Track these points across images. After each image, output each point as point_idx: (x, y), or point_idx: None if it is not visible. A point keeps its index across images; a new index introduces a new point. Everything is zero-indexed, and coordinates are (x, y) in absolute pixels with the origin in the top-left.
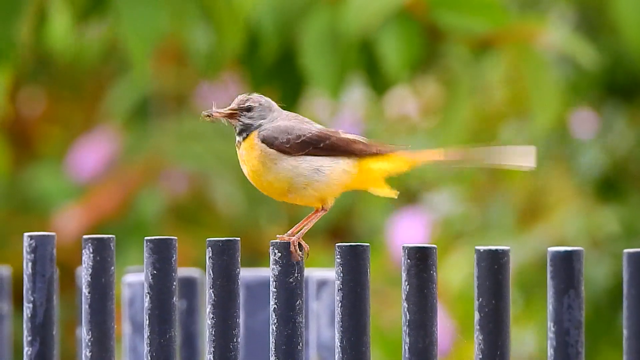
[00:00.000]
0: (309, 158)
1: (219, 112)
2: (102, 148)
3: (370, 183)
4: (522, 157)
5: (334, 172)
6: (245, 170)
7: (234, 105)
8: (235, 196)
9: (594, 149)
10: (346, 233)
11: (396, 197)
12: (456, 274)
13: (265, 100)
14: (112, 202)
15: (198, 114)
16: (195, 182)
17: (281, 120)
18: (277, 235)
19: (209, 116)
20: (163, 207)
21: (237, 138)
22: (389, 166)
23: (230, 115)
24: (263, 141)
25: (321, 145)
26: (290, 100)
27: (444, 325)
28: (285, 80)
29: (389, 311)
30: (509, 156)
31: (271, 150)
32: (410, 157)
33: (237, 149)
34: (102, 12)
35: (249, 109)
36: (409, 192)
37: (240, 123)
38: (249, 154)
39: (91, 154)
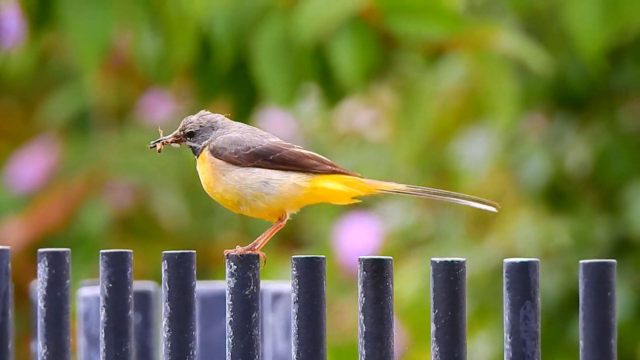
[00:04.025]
0: (257, 170)
1: (165, 140)
2: (42, 159)
3: (327, 199)
4: (484, 206)
5: (284, 185)
6: (202, 184)
7: (177, 131)
8: (179, 208)
9: (541, 157)
10: (293, 240)
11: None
12: (408, 285)
13: (207, 120)
14: (55, 214)
15: (141, 127)
16: (140, 194)
17: (233, 132)
18: (237, 248)
19: (155, 146)
20: (108, 220)
21: (194, 156)
22: (345, 188)
23: (176, 141)
24: (212, 152)
25: (270, 157)
26: (244, 111)
27: (397, 337)
28: (238, 90)
29: (339, 319)
30: (471, 203)
31: (219, 160)
32: (371, 184)
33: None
34: (52, 21)
35: (190, 135)
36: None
37: (187, 146)
38: (201, 167)
39: (30, 165)
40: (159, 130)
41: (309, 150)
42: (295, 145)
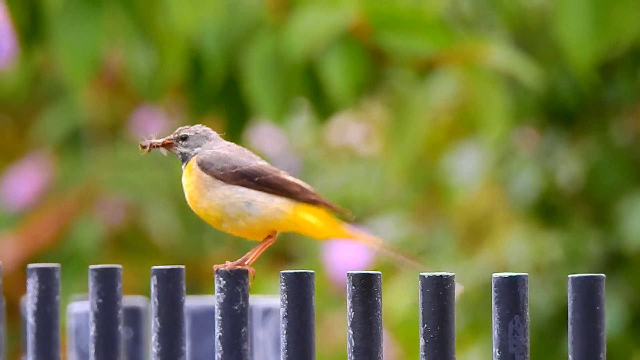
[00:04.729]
0: (242, 190)
1: (156, 142)
2: (34, 176)
3: (303, 231)
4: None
5: (267, 209)
6: (186, 196)
7: (171, 135)
8: (171, 224)
9: (532, 172)
10: (283, 255)
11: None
12: (399, 299)
13: (203, 129)
14: (48, 231)
15: (133, 143)
16: (132, 211)
17: (222, 148)
18: (226, 263)
19: (145, 147)
20: (100, 236)
21: (182, 166)
22: (324, 227)
23: (167, 145)
24: (199, 164)
25: (255, 179)
26: (235, 128)
27: (388, 352)
28: (230, 107)
29: (329, 334)
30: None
31: (206, 175)
32: (348, 232)
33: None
34: (41, 37)
35: (184, 138)
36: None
37: (178, 152)
38: (188, 179)
39: (24, 181)
40: (152, 134)
41: (298, 168)
42: (282, 171)
